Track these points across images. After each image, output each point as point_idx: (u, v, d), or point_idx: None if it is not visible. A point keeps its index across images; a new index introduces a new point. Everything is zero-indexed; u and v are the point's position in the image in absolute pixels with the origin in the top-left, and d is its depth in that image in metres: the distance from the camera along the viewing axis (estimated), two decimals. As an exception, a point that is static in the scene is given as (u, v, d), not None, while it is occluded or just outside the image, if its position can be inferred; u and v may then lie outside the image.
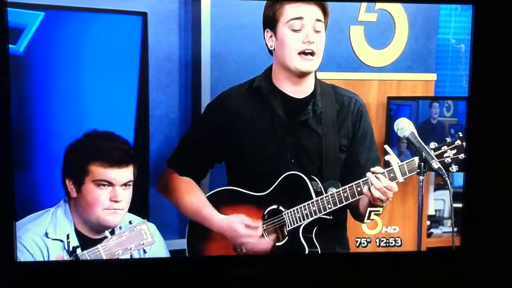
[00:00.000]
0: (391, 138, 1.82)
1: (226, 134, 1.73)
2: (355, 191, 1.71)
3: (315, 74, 1.74)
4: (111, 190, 1.63)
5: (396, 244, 1.87)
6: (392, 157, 1.72)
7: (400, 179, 1.71)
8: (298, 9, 1.66)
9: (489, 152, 1.93)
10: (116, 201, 1.63)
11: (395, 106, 1.80)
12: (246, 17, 1.70)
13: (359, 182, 1.71)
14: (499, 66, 1.89)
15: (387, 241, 1.87)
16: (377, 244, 1.86)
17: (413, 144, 1.74)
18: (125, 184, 1.65)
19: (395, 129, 1.77)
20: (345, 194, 1.72)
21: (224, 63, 1.72)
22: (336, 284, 1.89)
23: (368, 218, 1.77)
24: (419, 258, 1.90)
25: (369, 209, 1.75)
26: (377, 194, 1.68)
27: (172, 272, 1.81)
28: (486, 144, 1.91)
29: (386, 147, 1.74)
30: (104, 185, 1.63)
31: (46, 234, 1.63)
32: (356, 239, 1.84)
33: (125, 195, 1.65)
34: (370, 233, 1.86)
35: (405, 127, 1.76)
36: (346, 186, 1.72)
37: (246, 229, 1.74)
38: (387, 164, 1.72)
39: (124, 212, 1.64)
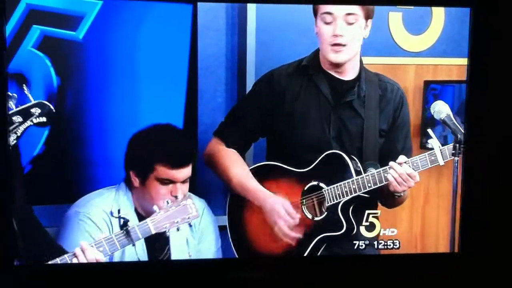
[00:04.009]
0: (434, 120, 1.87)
1: (272, 110, 1.80)
2: None
3: (361, 58, 1.80)
4: (172, 186, 1.72)
5: (394, 246, 1.91)
6: (434, 141, 1.79)
7: (441, 162, 1.78)
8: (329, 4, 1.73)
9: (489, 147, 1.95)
10: (175, 196, 1.72)
11: (440, 86, 1.86)
12: (290, 5, 1.78)
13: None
14: (498, 64, 1.92)
15: (385, 243, 1.91)
16: (376, 246, 1.90)
17: (448, 126, 1.81)
18: (185, 181, 1.74)
19: (431, 111, 1.84)
20: (386, 174, 1.78)
21: (268, 49, 1.80)
22: (335, 286, 1.94)
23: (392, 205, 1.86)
24: (418, 260, 1.95)
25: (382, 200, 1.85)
26: (399, 179, 1.76)
27: (173, 274, 1.86)
28: (486, 139, 1.93)
29: (429, 131, 1.81)
30: (166, 182, 1.72)
31: (111, 213, 1.72)
32: (355, 242, 1.88)
33: (184, 189, 1.74)
34: (368, 236, 1.89)
35: (441, 109, 1.83)
36: (387, 167, 1.78)
37: (286, 214, 1.80)
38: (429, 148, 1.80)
39: None
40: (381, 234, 1.88)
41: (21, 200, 1.67)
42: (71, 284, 1.81)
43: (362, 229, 1.86)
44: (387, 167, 1.79)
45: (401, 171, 1.76)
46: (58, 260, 1.64)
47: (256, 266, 1.89)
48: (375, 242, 1.89)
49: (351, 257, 1.90)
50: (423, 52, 1.87)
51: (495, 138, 1.94)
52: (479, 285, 1.96)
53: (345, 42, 1.74)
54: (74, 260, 1.64)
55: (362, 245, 1.88)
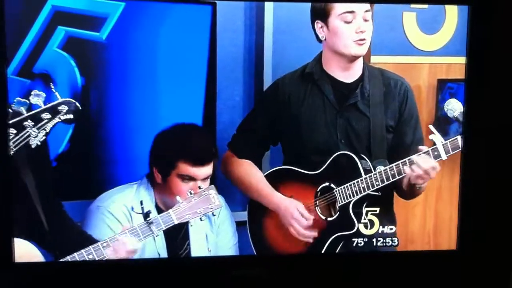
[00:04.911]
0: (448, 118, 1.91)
1: (280, 118, 1.85)
2: (401, 168, 1.83)
3: (363, 59, 1.85)
4: (193, 184, 1.76)
5: (393, 244, 1.94)
6: (436, 136, 1.83)
7: (444, 157, 1.82)
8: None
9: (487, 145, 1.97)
10: (199, 186, 1.76)
11: (456, 85, 1.89)
12: (306, 5, 1.81)
13: (405, 161, 1.83)
14: (498, 62, 1.94)
15: (384, 241, 1.94)
16: (374, 244, 1.93)
17: (462, 124, 1.85)
18: (205, 179, 1.78)
19: (445, 109, 1.88)
20: (392, 172, 1.83)
21: (285, 49, 1.83)
22: (335, 284, 1.97)
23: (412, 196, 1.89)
24: (416, 258, 1.98)
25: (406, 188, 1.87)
26: (421, 174, 1.81)
27: (174, 272, 1.89)
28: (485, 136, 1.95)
29: (431, 127, 1.85)
30: (187, 179, 1.77)
31: (132, 208, 1.77)
32: (353, 239, 1.92)
33: (204, 187, 1.77)
34: (366, 233, 1.92)
35: (454, 107, 1.87)
36: (393, 164, 1.83)
37: (299, 215, 1.87)
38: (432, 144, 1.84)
39: None
40: (379, 231, 1.92)
41: (49, 195, 1.72)
42: (71, 283, 1.84)
43: (361, 227, 1.90)
44: (393, 164, 1.83)
45: (425, 167, 1.81)
46: (91, 249, 1.69)
47: (260, 264, 1.93)
48: (374, 240, 1.92)
49: (355, 255, 1.93)
50: (437, 51, 1.90)
51: (495, 137, 1.97)
52: (479, 284, 2.00)
53: (366, 37, 1.80)
54: (107, 250, 1.70)
55: (360, 243, 1.92)
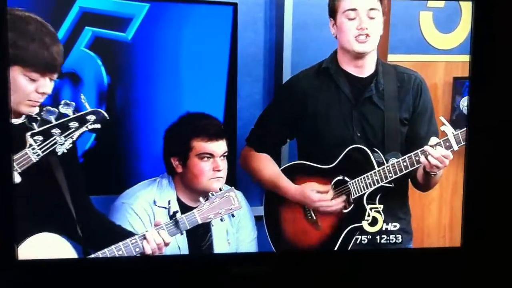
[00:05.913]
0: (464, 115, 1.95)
1: (297, 113, 1.89)
2: (414, 160, 1.87)
3: (377, 55, 1.89)
4: (213, 161, 1.82)
5: (397, 241, 1.97)
6: (447, 128, 1.87)
7: (455, 147, 1.86)
8: (353, 0, 1.82)
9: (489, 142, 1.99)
10: (218, 170, 1.82)
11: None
12: (325, 3, 1.85)
13: (417, 152, 1.87)
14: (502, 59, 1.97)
15: (388, 238, 1.97)
16: (378, 241, 1.96)
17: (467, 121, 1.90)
18: (223, 155, 1.84)
19: (461, 107, 1.92)
20: (405, 164, 1.87)
21: (304, 47, 1.88)
22: (336, 281, 2.00)
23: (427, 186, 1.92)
24: (419, 256, 2.01)
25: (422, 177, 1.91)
26: (434, 162, 1.84)
27: (175, 270, 1.92)
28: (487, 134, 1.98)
29: (441, 118, 1.88)
30: (207, 157, 1.82)
31: (154, 202, 1.83)
32: (357, 236, 1.96)
33: (224, 165, 1.84)
34: (370, 230, 1.96)
35: (469, 104, 1.92)
36: (406, 156, 1.87)
37: (318, 195, 1.92)
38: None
39: (224, 179, 1.84)
40: (383, 228, 1.95)
41: (79, 190, 1.77)
42: (71, 282, 1.88)
43: (365, 224, 1.94)
44: (406, 156, 1.87)
45: (436, 155, 1.84)
46: (128, 242, 1.75)
47: (253, 261, 1.96)
48: (378, 237, 1.96)
49: (358, 252, 1.97)
50: (453, 50, 1.93)
51: (498, 135, 2.00)
52: (483, 281, 2.02)
53: (369, 33, 1.83)
54: (144, 243, 1.76)
55: (364, 240, 1.96)
